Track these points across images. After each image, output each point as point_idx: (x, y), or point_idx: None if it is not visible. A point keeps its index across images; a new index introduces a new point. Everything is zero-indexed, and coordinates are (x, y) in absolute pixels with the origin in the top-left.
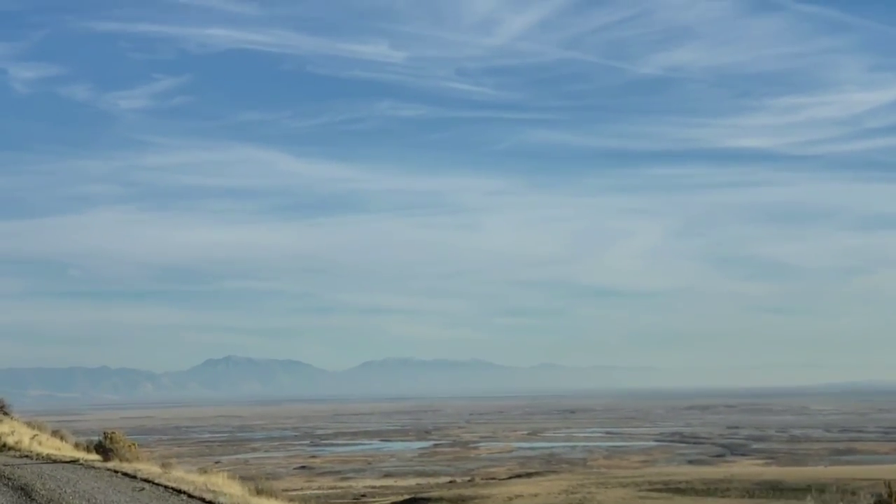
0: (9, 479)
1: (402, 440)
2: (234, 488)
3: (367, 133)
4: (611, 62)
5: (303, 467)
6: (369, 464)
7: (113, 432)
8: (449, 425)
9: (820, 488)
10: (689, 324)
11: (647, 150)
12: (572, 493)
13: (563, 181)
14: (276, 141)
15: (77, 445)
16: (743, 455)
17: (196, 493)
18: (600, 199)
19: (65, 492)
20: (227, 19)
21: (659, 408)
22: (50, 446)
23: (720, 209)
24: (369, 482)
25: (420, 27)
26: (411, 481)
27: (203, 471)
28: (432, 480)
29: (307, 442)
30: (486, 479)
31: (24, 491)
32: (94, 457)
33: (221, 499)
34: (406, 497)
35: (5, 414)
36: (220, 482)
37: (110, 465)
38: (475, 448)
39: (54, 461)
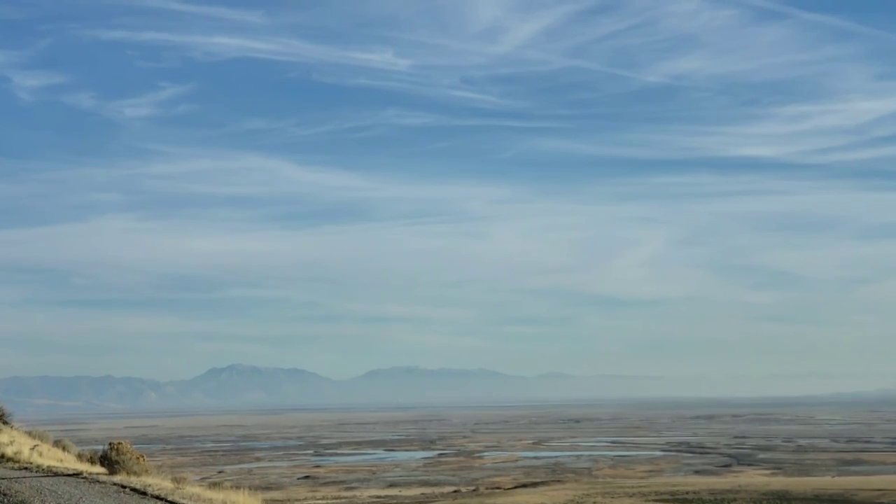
0: (5, 494)
1: (406, 450)
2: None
3: (373, 141)
4: (616, 70)
5: (307, 477)
6: (374, 474)
7: (119, 443)
8: (454, 435)
9: (826, 499)
10: (694, 332)
11: (653, 158)
12: (578, 502)
13: (569, 189)
14: (281, 149)
15: (80, 457)
16: (749, 465)
17: None
18: (606, 208)
19: None
20: (233, 28)
21: (665, 417)
22: (51, 457)
23: (726, 218)
24: (374, 492)
25: (425, 35)
26: (416, 491)
27: (214, 485)
28: (437, 490)
29: (311, 451)
30: (491, 488)
31: None
32: (98, 469)
33: None
34: None
35: (5, 423)
36: (241, 500)
37: (117, 479)
38: (480, 458)
39: (55, 474)
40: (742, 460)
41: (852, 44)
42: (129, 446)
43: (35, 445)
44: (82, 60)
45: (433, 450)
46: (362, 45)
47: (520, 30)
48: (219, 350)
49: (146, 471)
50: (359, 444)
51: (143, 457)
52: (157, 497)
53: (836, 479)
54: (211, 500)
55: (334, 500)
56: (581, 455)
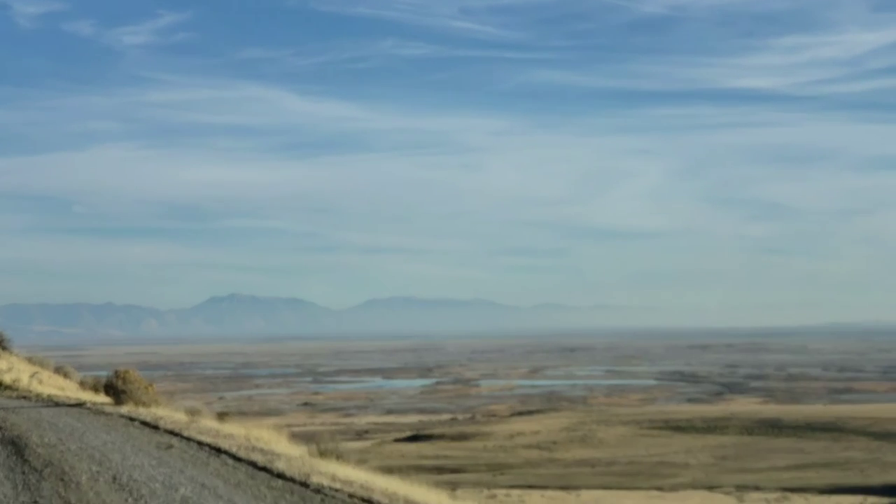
0: (0, 427)
1: (404, 378)
2: (287, 445)
3: (371, 72)
4: (615, 1)
5: (306, 404)
6: (372, 401)
7: (126, 371)
8: (451, 363)
9: (818, 427)
10: (690, 264)
11: (651, 90)
12: (573, 430)
13: (567, 121)
14: (280, 79)
15: (83, 384)
16: (741, 393)
17: (242, 454)
18: (604, 140)
19: (68, 448)
20: None
21: (659, 347)
22: (52, 385)
23: (723, 150)
24: (372, 419)
25: None
26: (413, 418)
27: (225, 415)
28: (434, 418)
29: (310, 379)
30: (488, 416)
31: (16, 446)
32: (103, 399)
33: (278, 463)
34: (408, 434)
35: (3, 349)
36: (266, 436)
37: (124, 410)
38: (476, 386)
39: (56, 404)
40: (734, 389)
41: None
42: (136, 374)
43: (35, 372)
44: None
45: (430, 378)
46: None
47: None
48: (218, 279)
49: (155, 401)
50: (357, 371)
51: (151, 386)
52: (171, 432)
53: (828, 407)
54: (232, 435)
55: (333, 427)
56: (576, 384)
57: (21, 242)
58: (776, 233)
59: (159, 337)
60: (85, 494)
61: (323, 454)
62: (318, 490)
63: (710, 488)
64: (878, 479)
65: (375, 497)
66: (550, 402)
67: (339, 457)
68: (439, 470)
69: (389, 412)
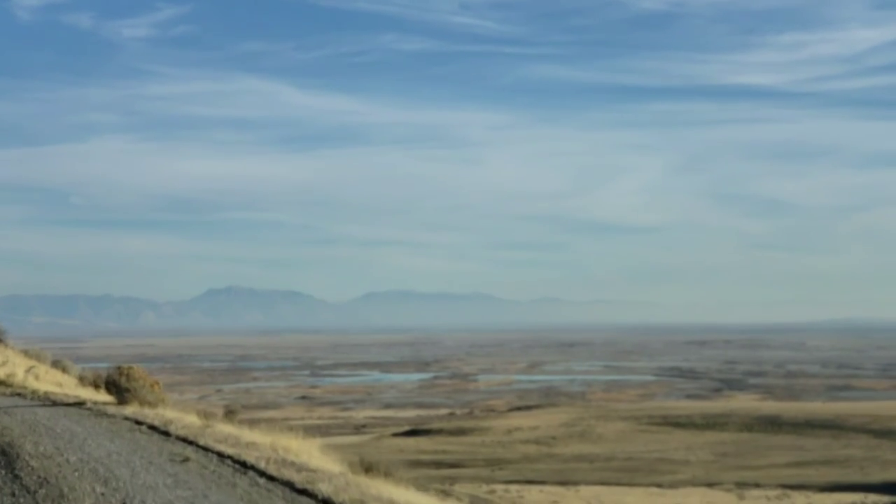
0: None
1: (402, 372)
2: (322, 458)
3: (371, 66)
4: None
5: (303, 397)
6: (369, 395)
7: (130, 367)
8: (449, 358)
9: (818, 424)
10: (688, 259)
11: (650, 85)
12: (572, 425)
13: (566, 116)
14: (279, 72)
15: (82, 380)
16: (740, 390)
17: (273, 471)
18: (603, 135)
19: (67, 461)
20: None
21: (657, 342)
22: (49, 381)
23: (722, 146)
24: (369, 413)
25: None
26: (411, 413)
27: (240, 422)
28: (432, 412)
29: (308, 372)
30: (486, 411)
31: (7, 457)
32: (104, 397)
33: (321, 485)
34: (406, 428)
35: None
36: (295, 446)
37: (128, 411)
38: (474, 381)
39: (54, 403)
40: (733, 385)
41: None
42: (141, 371)
43: (31, 367)
44: None
45: (428, 372)
46: None
47: None
48: (216, 271)
49: (162, 400)
50: (354, 365)
51: (157, 384)
52: (184, 439)
53: (827, 404)
54: (255, 444)
55: (330, 420)
56: (574, 379)
57: (19, 234)
58: (774, 229)
59: (157, 329)
60: None
61: (369, 471)
62: None
63: (710, 485)
64: (878, 476)
65: None
66: (549, 398)
67: (388, 474)
68: (437, 465)
69: (387, 406)
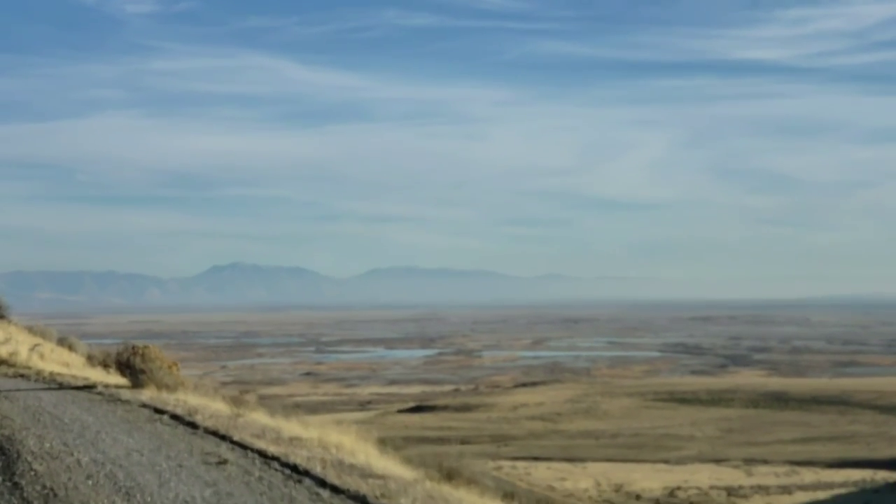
0: None
1: (406, 348)
2: (380, 458)
3: (375, 41)
4: None
5: (308, 374)
6: (374, 371)
7: (146, 346)
8: (453, 334)
9: (824, 400)
10: (693, 235)
11: (656, 61)
12: (577, 402)
13: (571, 92)
14: (283, 48)
15: (90, 359)
16: (745, 366)
17: (334, 479)
18: (607, 111)
19: (78, 462)
20: None
21: (662, 318)
22: (55, 360)
23: (727, 121)
24: (374, 389)
25: None
26: (416, 389)
27: (272, 411)
28: (437, 388)
29: (312, 348)
30: (491, 387)
31: (6, 456)
32: (116, 379)
33: (403, 500)
34: (411, 405)
35: (1, 317)
36: (347, 443)
37: (145, 396)
38: (479, 357)
39: (60, 385)
40: (738, 361)
41: None
42: (157, 351)
43: (35, 345)
44: None
45: (433, 348)
46: None
47: None
48: (221, 248)
49: (181, 384)
50: (359, 341)
51: (176, 365)
52: (215, 433)
53: (833, 380)
54: (300, 440)
55: (335, 397)
56: (579, 355)
57: (24, 210)
58: (780, 205)
59: (161, 305)
60: None
61: (450, 478)
62: None
63: (718, 461)
64: (885, 452)
65: None
66: (554, 374)
67: (472, 480)
68: (443, 441)
69: (392, 383)
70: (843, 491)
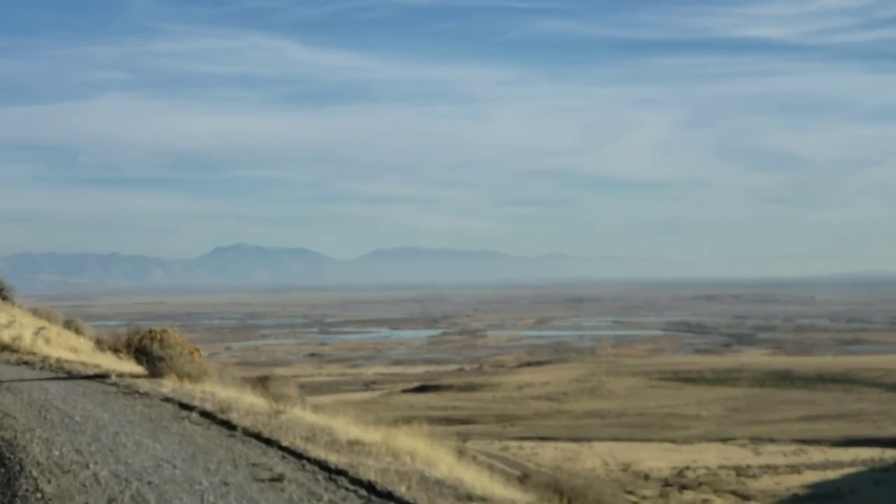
0: None
1: (410, 328)
2: (468, 470)
3: (377, 21)
4: None
5: (313, 354)
6: (378, 351)
7: (164, 330)
8: (457, 314)
9: (829, 378)
10: (696, 214)
11: (658, 39)
12: (582, 381)
13: (574, 71)
14: (284, 28)
15: (100, 344)
16: (750, 345)
17: None
18: (610, 90)
19: (95, 477)
20: None
21: (665, 297)
22: (62, 345)
23: (730, 100)
24: (379, 369)
25: None
26: (420, 369)
27: (315, 408)
28: (441, 368)
29: (316, 329)
30: (495, 367)
31: (5, 468)
32: (130, 367)
33: None
34: (416, 384)
35: (4, 298)
36: (422, 450)
37: (166, 387)
38: (483, 336)
39: (69, 374)
40: (742, 340)
41: None
42: (177, 335)
43: (40, 328)
44: None
45: (437, 328)
46: None
47: None
48: (224, 229)
49: (205, 372)
50: (363, 322)
51: (197, 351)
52: (257, 436)
53: (838, 358)
54: (361, 444)
55: (340, 377)
56: (583, 335)
57: (28, 192)
58: (783, 183)
59: (165, 287)
60: None
61: (571, 501)
62: None
63: (724, 440)
64: (891, 430)
65: None
66: (558, 353)
67: (600, 502)
68: (448, 421)
69: (396, 363)
70: (852, 470)
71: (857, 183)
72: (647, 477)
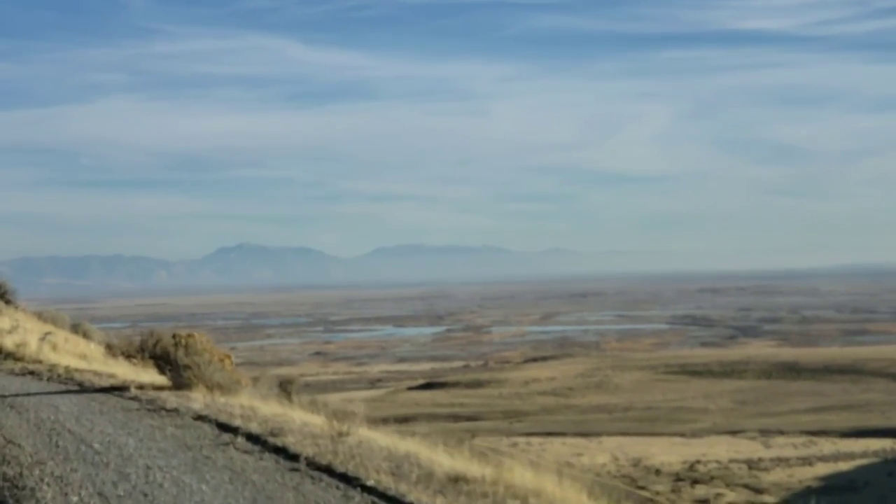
0: None
1: (415, 326)
2: None
3: (377, 20)
4: None
5: (318, 353)
6: (383, 349)
7: (189, 335)
8: (461, 310)
9: (836, 369)
10: (698, 207)
11: (658, 32)
12: (588, 376)
13: (574, 66)
14: (285, 28)
15: (110, 349)
16: (755, 337)
17: None
18: (611, 84)
19: None
20: None
21: (669, 291)
22: (70, 351)
23: (731, 92)
24: (384, 367)
25: None
26: (426, 366)
27: (380, 423)
28: (446, 365)
29: (321, 328)
30: (501, 363)
31: None
32: (151, 376)
33: None
34: (422, 382)
35: (7, 302)
36: (551, 491)
37: (196, 401)
38: (488, 333)
39: (80, 386)
40: (748, 332)
41: None
42: (206, 340)
43: (46, 333)
44: None
45: (441, 325)
46: None
47: None
48: (227, 229)
49: (237, 382)
50: (367, 320)
51: (228, 357)
52: (329, 470)
53: (845, 349)
54: (465, 479)
55: (345, 375)
56: (588, 329)
57: (30, 196)
58: (785, 175)
59: (169, 288)
60: None
61: None
62: None
63: (733, 433)
64: None
65: None
66: (563, 348)
67: None
68: (455, 418)
69: (402, 360)
70: (864, 461)
71: (860, 174)
72: (658, 472)
